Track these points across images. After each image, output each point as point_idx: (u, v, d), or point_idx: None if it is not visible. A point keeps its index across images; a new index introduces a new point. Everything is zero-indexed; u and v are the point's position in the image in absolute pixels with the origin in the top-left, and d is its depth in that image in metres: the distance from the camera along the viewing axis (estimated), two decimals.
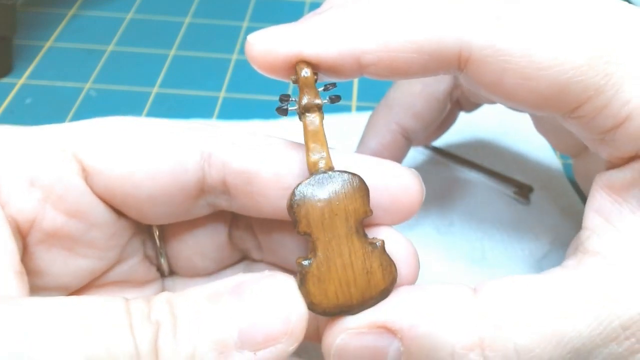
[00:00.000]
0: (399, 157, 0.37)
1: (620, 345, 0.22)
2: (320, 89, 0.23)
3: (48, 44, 0.56)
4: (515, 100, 0.23)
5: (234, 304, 0.21)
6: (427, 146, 0.45)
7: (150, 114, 0.50)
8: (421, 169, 0.44)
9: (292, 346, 0.21)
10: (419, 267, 0.24)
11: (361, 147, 0.37)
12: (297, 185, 0.22)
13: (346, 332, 0.23)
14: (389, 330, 0.22)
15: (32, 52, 0.55)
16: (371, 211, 0.23)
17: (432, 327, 0.22)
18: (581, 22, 0.22)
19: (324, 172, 0.23)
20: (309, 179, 0.22)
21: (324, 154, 0.23)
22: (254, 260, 0.29)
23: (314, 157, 0.23)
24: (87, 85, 0.52)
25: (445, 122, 0.41)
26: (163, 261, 0.28)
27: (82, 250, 0.25)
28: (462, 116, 0.42)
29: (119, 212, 0.25)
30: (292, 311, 0.21)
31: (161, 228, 0.28)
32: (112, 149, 0.24)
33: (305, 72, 0.23)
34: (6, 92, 0.51)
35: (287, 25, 0.24)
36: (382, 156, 0.36)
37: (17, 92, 0.51)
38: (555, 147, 0.37)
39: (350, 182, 0.22)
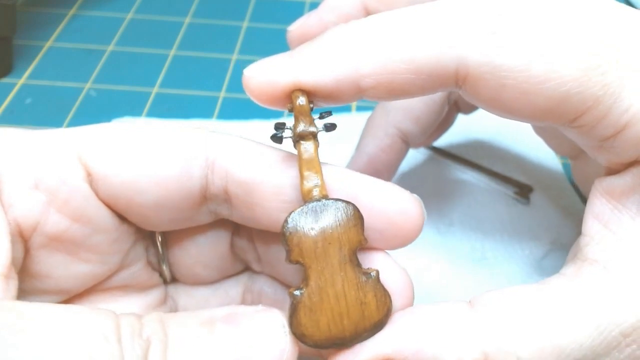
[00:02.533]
0: (397, 161, 0.37)
1: (622, 353, 0.22)
2: (316, 116, 0.23)
3: (48, 44, 0.56)
4: (514, 114, 0.23)
5: (228, 333, 0.21)
6: (427, 146, 0.45)
7: (150, 114, 0.50)
8: (421, 169, 0.44)
9: None
10: (414, 298, 0.24)
11: (359, 151, 0.37)
12: (290, 213, 0.22)
13: None
14: None
15: (32, 52, 0.55)
16: (366, 240, 0.22)
17: (437, 349, 0.22)
18: (577, 32, 0.22)
19: (318, 200, 0.22)
20: (302, 207, 0.22)
21: (318, 182, 0.22)
22: (255, 272, 0.29)
23: (308, 185, 0.22)
24: (87, 85, 0.52)
25: (443, 124, 0.41)
26: (165, 269, 0.28)
27: (85, 255, 0.25)
28: (462, 116, 0.42)
29: (122, 218, 0.25)
30: (285, 349, 0.21)
31: (164, 236, 0.27)
32: (117, 154, 0.24)
33: (301, 100, 0.23)
34: (6, 92, 0.51)
35: (282, 55, 0.24)
36: (379, 159, 0.36)
37: (17, 92, 0.51)
38: (554, 149, 0.37)
39: (344, 210, 0.22)
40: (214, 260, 0.28)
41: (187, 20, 0.60)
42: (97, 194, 0.24)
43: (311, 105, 0.23)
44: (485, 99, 0.23)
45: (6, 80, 0.52)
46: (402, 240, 0.24)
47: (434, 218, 0.41)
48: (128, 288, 0.27)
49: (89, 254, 0.25)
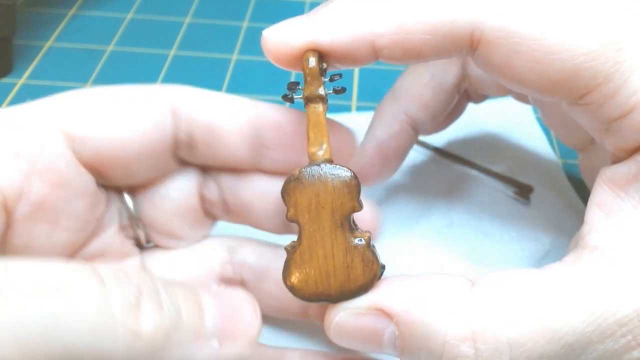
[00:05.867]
0: (405, 147, 0.37)
1: (616, 342, 0.21)
2: (326, 79, 0.24)
3: (48, 44, 0.56)
4: (524, 84, 0.23)
5: (210, 299, 0.22)
6: (428, 146, 0.45)
7: None
8: (421, 168, 0.44)
9: (255, 338, 0.23)
10: (381, 221, 0.26)
11: (368, 136, 0.37)
12: (292, 173, 0.23)
13: (345, 311, 0.23)
14: (385, 314, 0.23)
15: (32, 52, 0.55)
16: (360, 207, 0.23)
17: (425, 315, 0.22)
18: (593, 8, 0.22)
19: (318, 164, 0.23)
20: (303, 168, 0.23)
21: (324, 145, 0.24)
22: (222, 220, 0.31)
23: (313, 147, 0.24)
24: (87, 86, 0.52)
25: (452, 113, 0.40)
26: (140, 230, 0.29)
27: (65, 222, 0.25)
28: (463, 116, 0.42)
29: (98, 181, 0.26)
30: (256, 318, 0.23)
31: (134, 196, 0.28)
32: (96, 115, 0.25)
33: (311, 62, 0.23)
34: (6, 92, 0.51)
35: (300, 17, 0.24)
36: (388, 145, 0.36)
37: (17, 92, 0.51)
38: (562, 140, 0.37)
39: (342, 176, 0.23)
40: (186, 213, 0.29)
41: (187, 20, 0.60)
42: (80, 157, 0.25)
43: (324, 67, 0.24)
44: (496, 66, 0.23)
45: (6, 80, 0.52)
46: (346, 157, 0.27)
47: (434, 218, 0.41)
48: (102, 258, 0.28)
49: (68, 221, 0.25)
